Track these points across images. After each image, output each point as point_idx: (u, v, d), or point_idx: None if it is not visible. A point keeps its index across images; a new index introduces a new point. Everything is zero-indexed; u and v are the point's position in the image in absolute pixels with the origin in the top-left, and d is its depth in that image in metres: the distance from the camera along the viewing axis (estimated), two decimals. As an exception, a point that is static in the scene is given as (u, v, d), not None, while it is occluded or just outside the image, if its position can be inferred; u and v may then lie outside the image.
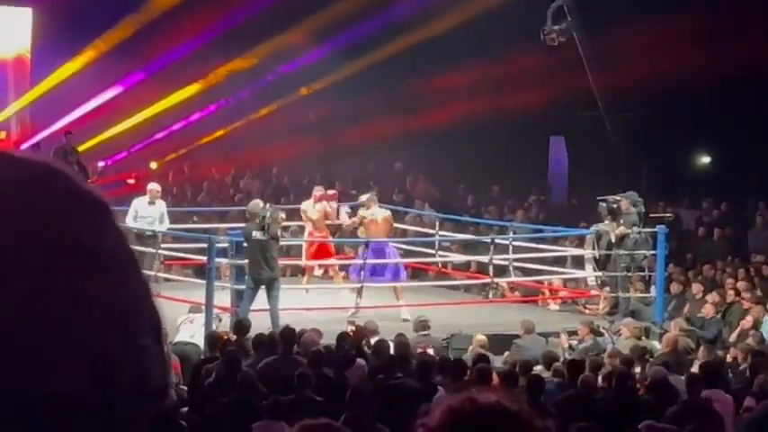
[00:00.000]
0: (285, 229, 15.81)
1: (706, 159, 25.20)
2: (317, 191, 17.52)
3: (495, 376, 10.83)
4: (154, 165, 26.69)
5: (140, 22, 24.40)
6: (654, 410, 9.77)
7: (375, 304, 15.92)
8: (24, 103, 25.51)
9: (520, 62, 23.10)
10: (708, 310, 16.27)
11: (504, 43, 22.65)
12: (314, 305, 15.72)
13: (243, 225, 15.97)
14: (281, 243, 15.95)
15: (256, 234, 14.92)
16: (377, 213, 16.60)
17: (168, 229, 17.32)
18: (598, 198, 17.85)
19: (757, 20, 21.49)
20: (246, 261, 15.13)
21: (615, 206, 17.22)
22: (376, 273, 16.35)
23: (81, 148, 22.34)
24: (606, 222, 17.39)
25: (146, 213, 17.02)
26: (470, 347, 13.57)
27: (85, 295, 1.22)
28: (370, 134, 25.18)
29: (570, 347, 14.36)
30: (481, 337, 13.75)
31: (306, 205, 17.36)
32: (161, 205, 17.29)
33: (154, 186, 17.41)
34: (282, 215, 15.53)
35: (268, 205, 15.46)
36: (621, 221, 17.05)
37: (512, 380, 10.53)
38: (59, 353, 1.21)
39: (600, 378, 11.45)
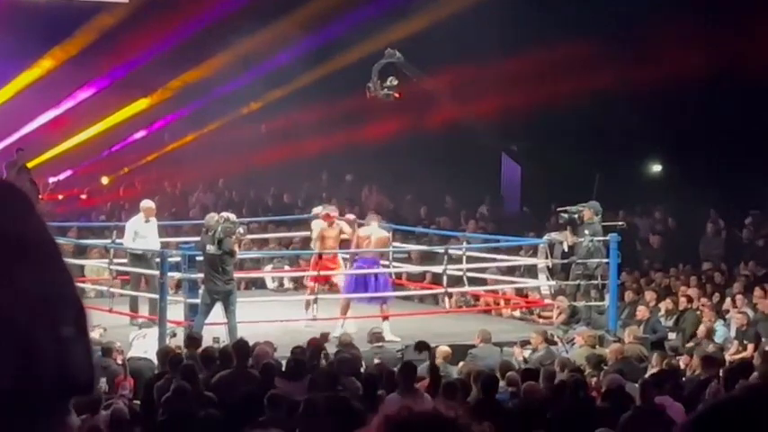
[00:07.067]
0: (239, 242, 15.64)
1: (657, 168, 25.36)
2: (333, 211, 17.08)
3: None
4: (105, 180, 26.54)
5: (89, 38, 24.28)
6: (609, 418, 9.79)
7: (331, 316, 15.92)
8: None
9: (474, 73, 23.19)
10: (642, 313, 16.31)
11: (455, 55, 22.75)
12: (269, 318, 15.62)
13: (197, 239, 15.89)
14: (238, 257, 15.75)
15: (210, 248, 14.84)
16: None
17: (120, 243, 17.01)
18: (558, 209, 17.84)
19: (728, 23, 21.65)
20: (201, 275, 15.05)
21: (577, 216, 17.16)
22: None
23: (31, 164, 22.13)
24: (558, 232, 17.42)
25: (144, 233, 16.45)
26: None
27: (13, 284, 1.20)
28: (321, 147, 25.18)
29: (525, 360, 14.30)
30: (444, 349, 13.62)
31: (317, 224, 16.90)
32: (155, 223, 16.77)
33: (151, 204, 16.87)
34: (240, 230, 15.38)
35: (222, 219, 15.31)
36: (586, 231, 16.95)
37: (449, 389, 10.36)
38: None
39: (552, 387, 11.43)
